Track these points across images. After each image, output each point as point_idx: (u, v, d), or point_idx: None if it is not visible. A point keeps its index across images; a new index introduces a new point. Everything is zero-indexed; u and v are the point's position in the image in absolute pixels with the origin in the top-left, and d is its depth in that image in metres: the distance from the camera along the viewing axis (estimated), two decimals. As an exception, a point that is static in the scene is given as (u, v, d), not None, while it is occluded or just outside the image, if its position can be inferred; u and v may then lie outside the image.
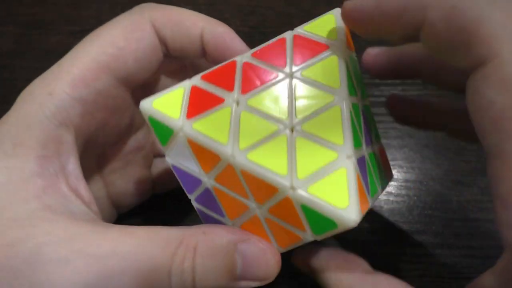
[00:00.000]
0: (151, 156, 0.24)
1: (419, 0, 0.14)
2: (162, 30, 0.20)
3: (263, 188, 0.16)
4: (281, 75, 0.18)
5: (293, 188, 0.15)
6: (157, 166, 0.25)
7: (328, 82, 0.17)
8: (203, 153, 0.17)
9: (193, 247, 0.16)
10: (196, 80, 0.18)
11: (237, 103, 0.17)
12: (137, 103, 0.21)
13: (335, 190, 0.15)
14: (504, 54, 0.13)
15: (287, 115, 0.17)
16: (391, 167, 0.28)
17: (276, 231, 0.17)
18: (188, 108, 0.17)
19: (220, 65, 0.18)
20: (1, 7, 0.37)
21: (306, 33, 0.19)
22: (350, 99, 0.17)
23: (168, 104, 0.17)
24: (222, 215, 0.19)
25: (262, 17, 0.36)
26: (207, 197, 0.18)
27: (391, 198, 0.27)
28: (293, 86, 0.17)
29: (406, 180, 0.27)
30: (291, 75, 0.18)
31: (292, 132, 0.16)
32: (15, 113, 0.18)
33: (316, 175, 0.15)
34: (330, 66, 0.18)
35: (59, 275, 0.15)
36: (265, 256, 0.17)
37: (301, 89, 0.17)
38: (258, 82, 0.18)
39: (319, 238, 0.16)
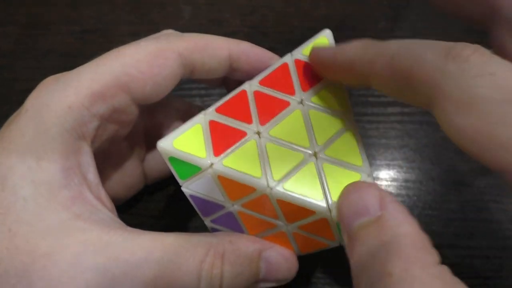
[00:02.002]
0: (143, 148, 0.25)
1: (365, 54, 0.16)
2: (191, 56, 0.20)
3: (298, 212, 0.17)
4: (293, 103, 0.19)
5: (330, 210, 0.16)
6: (148, 158, 0.25)
7: (336, 107, 0.19)
8: (234, 186, 0.17)
9: (220, 255, 0.18)
10: (212, 114, 0.18)
11: (259, 135, 0.18)
12: (142, 113, 0.22)
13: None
14: (445, 87, 0.14)
15: (308, 143, 0.18)
16: (392, 167, 0.29)
17: (301, 241, 0.19)
18: (213, 145, 0.17)
19: (230, 96, 0.19)
20: (1, 7, 0.37)
21: (305, 57, 0.20)
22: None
23: (190, 142, 0.17)
24: (241, 231, 0.19)
25: (262, 17, 0.36)
26: (227, 218, 0.19)
27: (391, 198, 0.27)
28: (307, 113, 0.19)
29: (406, 180, 0.27)
30: (302, 102, 0.19)
31: (317, 159, 0.17)
32: (33, 125, 0.18)
33: None
34: (335, 91, 0.19)
35: (98, 282, 0.16)
36: (286, 263, 0.19)
37: (315, 116, 0.19)
38: (274, 112, 0.18)
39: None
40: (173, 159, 0.17)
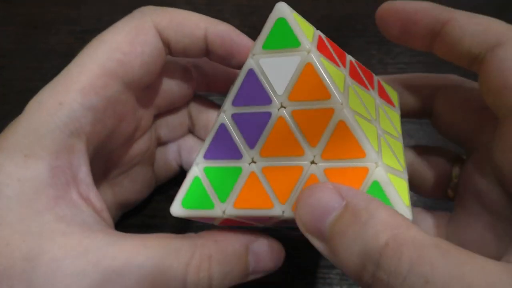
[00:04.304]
0: (154, 154, 0.25)
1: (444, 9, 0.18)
2: (165, 32, 0.20)
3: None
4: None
5: (377, 164, 0.15)
6: (157, 159, 0.25)
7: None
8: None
9: (207, 257, 0.17)
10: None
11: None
12: (141, 105, 0.22)
13: (401, 191, 0.16)
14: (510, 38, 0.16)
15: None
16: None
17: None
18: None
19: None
20: (1, 7, 0.37)
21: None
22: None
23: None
24: (252, 145, 0.17)
25: (262, 17, 0.36)
26: (258, 122, 0.17)
27: (391, 198, 0.27)
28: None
29: (406, 180, 0.27)
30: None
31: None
32: (25, 123, 0.18)
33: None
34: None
35: None
36: (273, 252, 0.19)
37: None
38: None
39: None
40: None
